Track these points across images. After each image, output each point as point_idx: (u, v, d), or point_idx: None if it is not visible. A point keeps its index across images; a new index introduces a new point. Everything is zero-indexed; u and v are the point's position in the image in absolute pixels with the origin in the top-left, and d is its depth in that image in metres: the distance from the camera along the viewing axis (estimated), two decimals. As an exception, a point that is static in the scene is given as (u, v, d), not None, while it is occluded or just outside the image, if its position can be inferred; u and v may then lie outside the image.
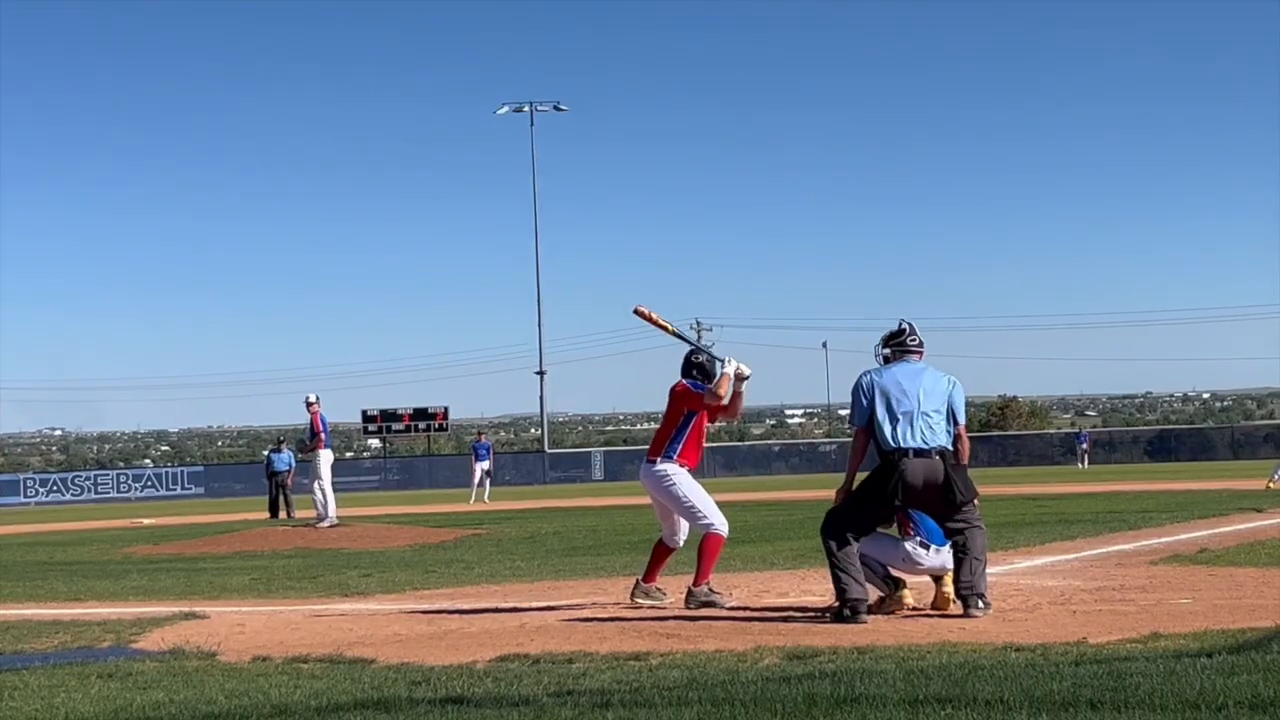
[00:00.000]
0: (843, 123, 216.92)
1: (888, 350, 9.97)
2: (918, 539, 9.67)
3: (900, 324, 10.03)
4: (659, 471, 10.68)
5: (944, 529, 9.62)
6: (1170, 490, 28.32)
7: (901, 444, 9.44)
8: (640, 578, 10.86)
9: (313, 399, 24.91)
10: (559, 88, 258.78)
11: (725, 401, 10.51)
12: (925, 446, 9.44)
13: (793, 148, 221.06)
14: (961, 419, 9.76)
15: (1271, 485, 27.22)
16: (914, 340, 9.96)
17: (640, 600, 10.65)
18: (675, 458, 10.66)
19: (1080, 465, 61.65)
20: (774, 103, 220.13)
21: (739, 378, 10.57)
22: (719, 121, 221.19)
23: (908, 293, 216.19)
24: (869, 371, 9.87)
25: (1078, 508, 23.27)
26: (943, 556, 9.61)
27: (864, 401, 9.71)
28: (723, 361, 10.61)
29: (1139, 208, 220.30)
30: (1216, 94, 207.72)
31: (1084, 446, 64.68)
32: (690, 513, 10.65)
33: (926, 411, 9.55)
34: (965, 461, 9.75)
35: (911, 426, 9.48)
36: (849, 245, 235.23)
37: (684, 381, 10.77)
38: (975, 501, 9.65)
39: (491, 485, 43.46)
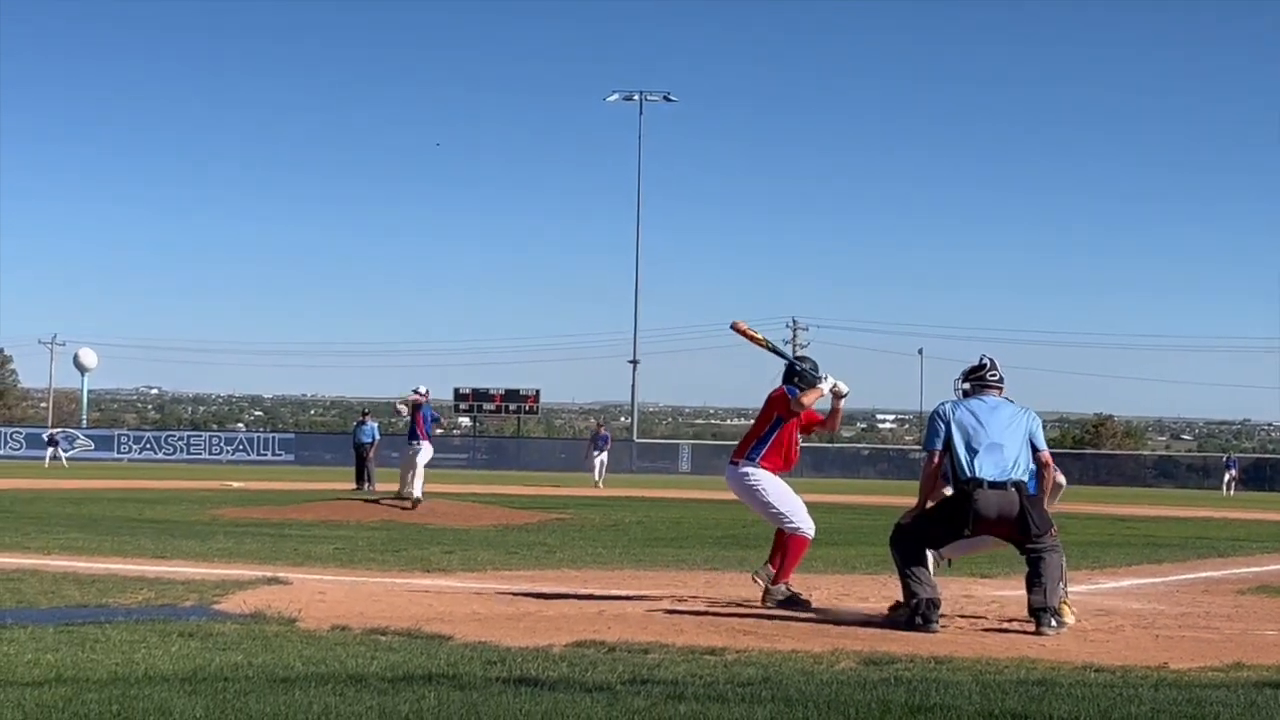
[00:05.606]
0: (955, 132, 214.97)
1: (967, 385, 9.92)
2: None
3: (981, 359, 9.98)
4: (742, 473, 10.86)
5: (1021, 551, 9.56)
6: (1263, 520, 27.85)
7: (977, 474, 9.36)
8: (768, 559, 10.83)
9: (421, 390, 25.01)
10: (670, 78, 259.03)
11: (807, 410, 10.73)
12: (1001, 479, 9.36)
13: (904, 154, 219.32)
14: (1043, 446, 9.68)
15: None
16: (994, 375, 9.89)
17: (759, 580, 10.58)
18: (758, 460, 10.79)
19: (1225, 492, 57.85)
20: (887, 107, 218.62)
21: (836, 394, 10.81)
22: (829, 121, 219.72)
23: (1007, 305, 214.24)
24: (947, 401, 9.84)
25: (1167, 531, 22.97)
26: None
27: (940, 427, 9.64)
28: (822, 378, 10.77)
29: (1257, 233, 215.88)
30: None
31: (1233, 473, 60.82)
32: (774, 516, 10.76)
33: (1003, 444, 9.45)
34: (1048, 489, 9.67)
35: (988, 458, 9.38)
36: (953, 254, 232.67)
37: (783, 388, 10.89)
38: (1053, 530, 9.56)
39: (605, 473, 44.29)
